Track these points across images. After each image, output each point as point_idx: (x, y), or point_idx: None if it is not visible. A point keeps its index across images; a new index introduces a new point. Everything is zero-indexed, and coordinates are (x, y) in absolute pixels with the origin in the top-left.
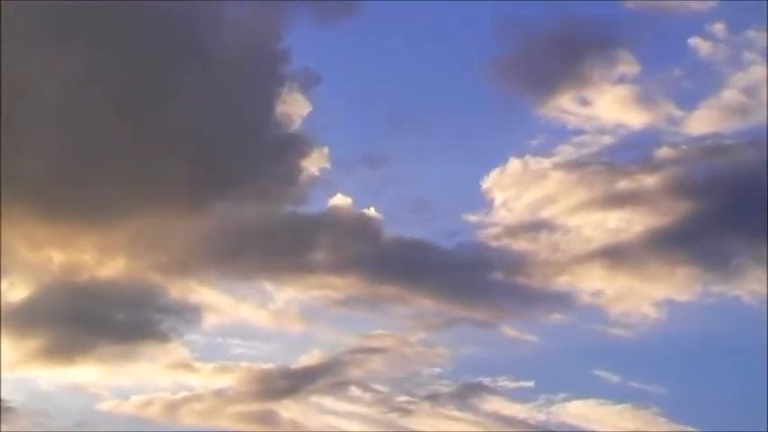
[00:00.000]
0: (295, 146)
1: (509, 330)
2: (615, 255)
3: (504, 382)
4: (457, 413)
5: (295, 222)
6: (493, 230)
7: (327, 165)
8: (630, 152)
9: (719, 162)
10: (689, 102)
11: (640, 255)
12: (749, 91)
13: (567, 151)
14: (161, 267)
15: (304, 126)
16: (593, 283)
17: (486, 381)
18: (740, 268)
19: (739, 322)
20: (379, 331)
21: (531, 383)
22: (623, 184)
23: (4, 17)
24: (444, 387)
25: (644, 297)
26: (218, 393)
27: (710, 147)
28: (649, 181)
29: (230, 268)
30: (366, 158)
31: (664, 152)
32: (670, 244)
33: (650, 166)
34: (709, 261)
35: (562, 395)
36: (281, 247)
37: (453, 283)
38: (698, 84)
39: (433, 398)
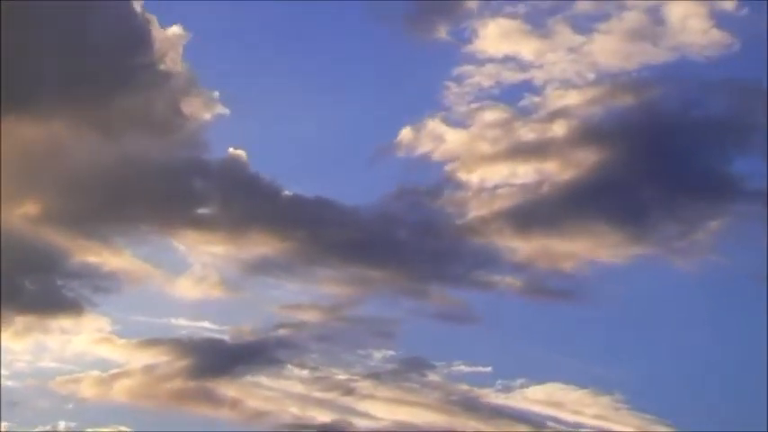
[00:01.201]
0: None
1: (438, 297)
2: (527, 213)
3: (451, 359)
4: (401, 392)
5: (187, 170)
6: (396, 189)
7: (220, 111)
8: (530, 95)
9: (630, 104)
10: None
11: (553, 212)
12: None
13: (461, 99)
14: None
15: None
16: (509, 242)
17: (430, 357)
18: (659, 224)
19: (669, 286)
20: (304, 299)
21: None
22: (527, 134)
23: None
24: (387, 364)
25: (564, 257)
26: (149, 370)
27: (619, 84)
28: (555, 129)
29: (119, 219)
30: (261, 109)
31: (568, 95)
32: (583, 199)
33: (554, 113)
34: (626, 217)
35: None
36: (174, 196)
37: (364, 243)
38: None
39: (375, 376)
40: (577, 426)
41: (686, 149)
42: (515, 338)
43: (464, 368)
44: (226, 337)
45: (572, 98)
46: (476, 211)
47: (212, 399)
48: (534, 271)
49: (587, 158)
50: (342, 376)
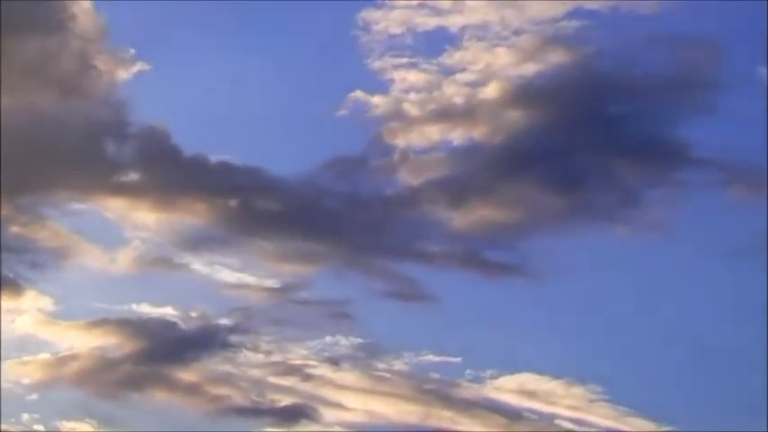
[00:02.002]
0: None
1: (384, 273)
2: (459, 181)
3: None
4: (370, 381)
5: (106, 133)
6: (323, 157)
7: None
8: (451, 48)
9: (564, 61)
10: None
11: (486, 180)
12: None
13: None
14: None
15: None
16: (443, 213)
17: (389, 341)
18: (600, 194)
19: (617, 260)
20: (249, 280)
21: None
22: (454, 97)
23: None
24: (347, 350)
25: (502, 228)
26: (98, 354)
27: (550, 37)
28: (483, 90)
29: (36, 186)
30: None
31: (495, 52)
32: (518, 166)
33: (481, 71)
34: (564, 185)
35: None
36: (94, 161)
37: (297, 214)
38: None
39: (335, 361)
40: (552, 417)
41: (627, 112)
42: (472, 320)
43: (432, 357)
44: (176, 320)
45: (500, 55)
46: (406, 180)
47: (168, 384)
48: (473, 243)
49: (519, 122)
50: (298, 361)
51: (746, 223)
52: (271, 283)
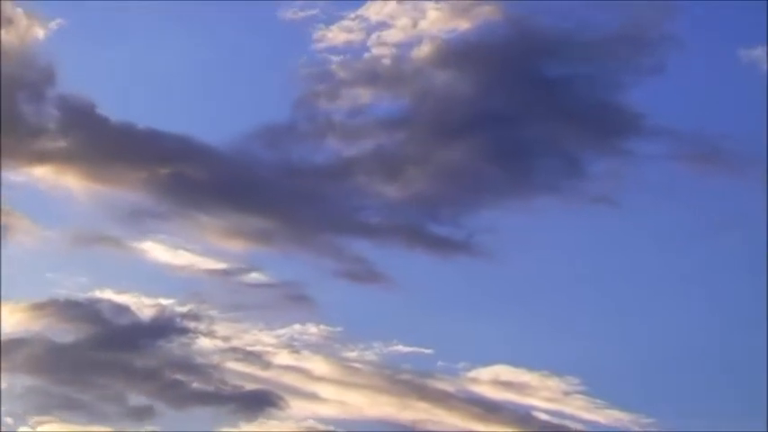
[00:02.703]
0: None
1: (333, 250)
2: (393, 150)
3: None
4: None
5: (23, 95)
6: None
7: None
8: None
9: (498, 19)
10: None
11: (422, 149)
12: None
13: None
14: None
15: None
16: (377, 185)
17: (354, 327)
18: (544, 165)
19: (569, 237)
20: (195, 256)
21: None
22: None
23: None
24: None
25: (441, 201)
26: (47, 339)
27: None
28: (414, 52)
29: None
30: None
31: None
32: (454, 134)
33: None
34: (505, 155)
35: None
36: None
37: (230, 185)
38: None
39: (296, 348)
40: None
41: (568, 74)
42: (431, 304)
43: (402, 348)
44: (126, 303)
45: (427, 12)
46: (338, 148)
47: (124, 370)
48: (415, 216)
49: (452, 85)
50: (259, 347)
51: (703, 198)
52: (219, 263)
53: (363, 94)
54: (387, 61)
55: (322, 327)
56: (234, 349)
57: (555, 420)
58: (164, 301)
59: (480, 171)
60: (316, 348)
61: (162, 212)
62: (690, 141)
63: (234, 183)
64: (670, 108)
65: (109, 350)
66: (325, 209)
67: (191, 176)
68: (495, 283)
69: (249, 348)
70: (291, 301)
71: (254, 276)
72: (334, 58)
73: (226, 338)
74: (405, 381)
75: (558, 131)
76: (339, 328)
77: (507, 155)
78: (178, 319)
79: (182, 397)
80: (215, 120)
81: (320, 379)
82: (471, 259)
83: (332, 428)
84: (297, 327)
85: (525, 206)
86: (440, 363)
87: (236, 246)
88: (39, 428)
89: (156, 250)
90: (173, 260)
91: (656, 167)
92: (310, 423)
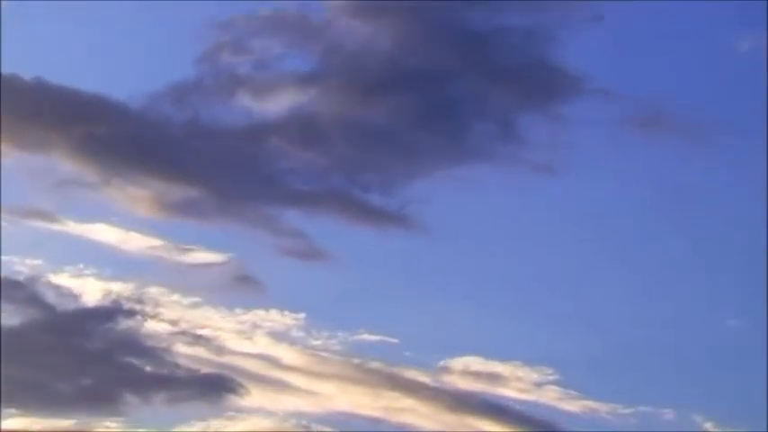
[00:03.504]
0: None
1: (266, 220)
2: (308, 114)
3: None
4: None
5: None
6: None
7: None
8: None
9: None
10: None
11: (340, 108)
12: None
13: None
14: None
15: None
16: (296, 150)
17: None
18: (474, 129)
19: (509, 209)
20: (129, 232)
21: None
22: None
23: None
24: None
25: (370, 167)
26: None
27: None
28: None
29: None
30: None
31: None
32: (373, 92)
33: None
34: (432, 119)
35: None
36: None
37: (143, 145)
38: None
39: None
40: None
41: (496, 26)
42: (383, 285)
43: (367, 336)
44: (69, 284)
45: None
46: (249, 107)
47: (74, 352)
48: (342, 186)
49: (367, 38)
50: (215, 332)
51: (649, 165)
52: (154, 240)
53: (270, 47)
54: (294, 11)
55: (286, 313)
56: (185, 333)
57: (529, 411)
58: (107, 283)
59: (407, 135)
60: (280, 336)
61: (89, 183)
62: (633, 104)
63: (149, 145)
64: (611, 68)
65: (55, 333)
66: (247, 175)
67: (105, 136)
68: (441, 262)
69: (205, 333)
70: (238, 281)
71: (197, 255)
72: (238, 6)
73: (175, 321)
74: (374, 370)
75: (491, 92)
76: (302, 315)
77: (435, 117)
78: (124, 302)
79: (137, 381)
80: (124, 78)
81: (287, 367)
82: (409, 233)
83: (304, 422)
84: (260, 313)
85: (459, 174)
86: (407, 353)
87: (165, 217)
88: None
89: (91, 228)
90: (107, 237)
91: (599, 132)
92: (281, 416)
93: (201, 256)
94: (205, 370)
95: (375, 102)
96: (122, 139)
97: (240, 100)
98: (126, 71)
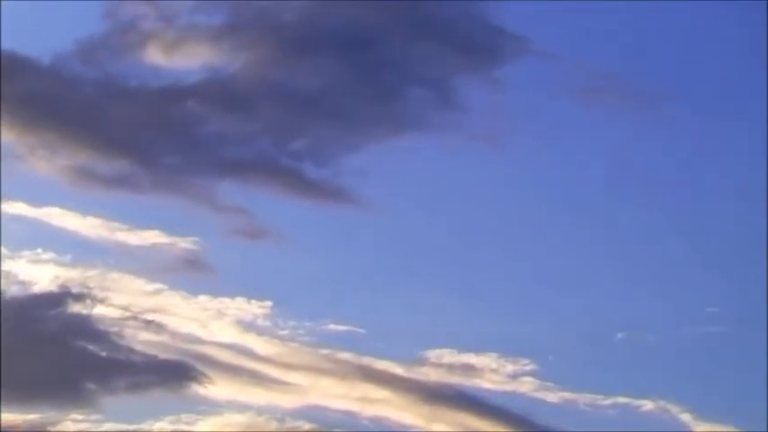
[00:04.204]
0: None
1: (208, 196)
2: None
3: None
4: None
5: None
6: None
7: None
8: None
9: None
10: None
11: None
12: None
13: None
14: None
15: None
16: (219, 116)
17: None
18: (408, 95)
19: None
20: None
21: None
22: None
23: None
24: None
25: (297, 133)
26: None
27: None
28: None
29: None
30: None
31: None
32: (297, 51)
33: None
34: (363, 85)
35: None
36: None
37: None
38: None
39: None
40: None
41: None
42: (339, 265)
43: (334, 326)
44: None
45: None
46: (164, 69)
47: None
48: (274, 155)
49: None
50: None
51: (596, 135)
52: (98, 219)
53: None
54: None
55: (253, 302)
56: (138, 318)
57: (505, 403)
58: (54, 266)
59: (337, 100)
60: (248, 325)
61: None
62: (580, 69)
63: (63, 106)
64: (556, 29)
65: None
66: (173, 142)
67: (18, 95)
68: (391, 241)
69: (165, 320)
70: (190, 264)
71: (145, 235)
72: None
73: (127, 306)
74: (344, 361)
75: (424, 53)
76: (268, 303)
77: (365, 81)
78: (73, 286)
79: (94, 367)
80: (30, 34)
81: (257, 357)
82: (349, 208)
83: (278, 415)
84: (226, 300)
85: (395, 145)
86: (378, 344)
87: (99, 192)
88: None
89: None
90: (48, 218)
91: (542, 99)
92: (255, 410)
93: (152, 238)
94: (164, 356)
95: (297, 62)
96: (35, 98)
97: (150, 57)
98: (32, 27)
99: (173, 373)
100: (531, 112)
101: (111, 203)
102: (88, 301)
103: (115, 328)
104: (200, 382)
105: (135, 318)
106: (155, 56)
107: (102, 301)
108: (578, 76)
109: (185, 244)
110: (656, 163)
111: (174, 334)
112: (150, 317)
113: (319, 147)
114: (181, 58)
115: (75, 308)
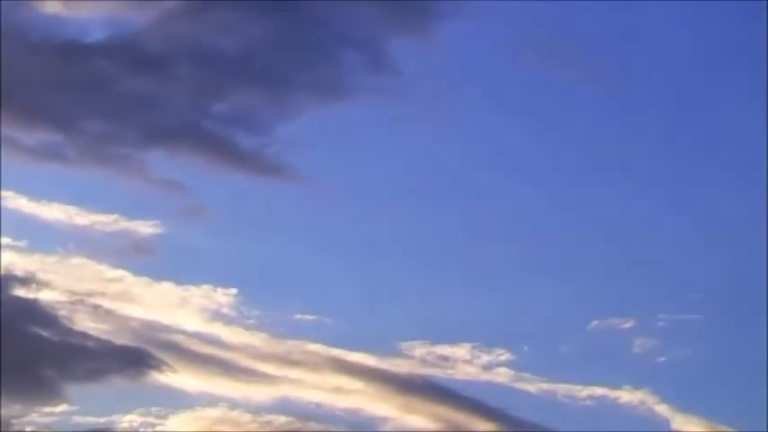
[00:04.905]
0: None
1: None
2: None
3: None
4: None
5: None
6: None
7: None
8: None
9: None
10: None
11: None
12: None
13: None
14: None
15: None
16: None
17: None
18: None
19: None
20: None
21: None
22: None
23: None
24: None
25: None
26: None
27: None
28: None
29: None
30: None
31: None
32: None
33: None
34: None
35: None
36: None
37: None
38: None
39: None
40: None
41: None
42: (291, 248)
43: (300, 316)
44: None
45: None
46: (64, 21)
47: None
48: (199, 123)
49: None
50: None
51: (539, 97)
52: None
53: None
54: None
55: (219, 290)
56: (84, 302)
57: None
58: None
59: (263, 64)
60: (214, 313)
61: None
62: (525, 29)
63: None
64: None
65: None
66: (91, 107)
67: None
68: (338, 220)
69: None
70: (136, 246)
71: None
72: None
73: (77, 291)
74: (315, 352)
75: (355, 12)
76: (233, 290)
77: (293, 43)
78: (18, 271)
79: (47, 352)
80: None
81: (226, 347)
82: (287, 182)
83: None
84: (193, 289)
85: (331, 112)
86: (347, 334)
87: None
88: None
89: None
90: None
91: (482, 60)
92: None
93: (94, 218)
94: (120, 342)
95: (212, 18)
96: None
97: (49, 7)
98: None
99: (131, 359)
100: (469, 72)
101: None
102: (33, 286)
103: (64, 313)
104: (160, 370)
105: (82, 302)
106: (54, 6)
107: (47, 285)
108: (518, 35)
109: (148, 228)
110: (605, 133)
111: (131, 320)
112: (104, 302)
113: (248, 113)
114: (82, 10)
115: (20, 292)
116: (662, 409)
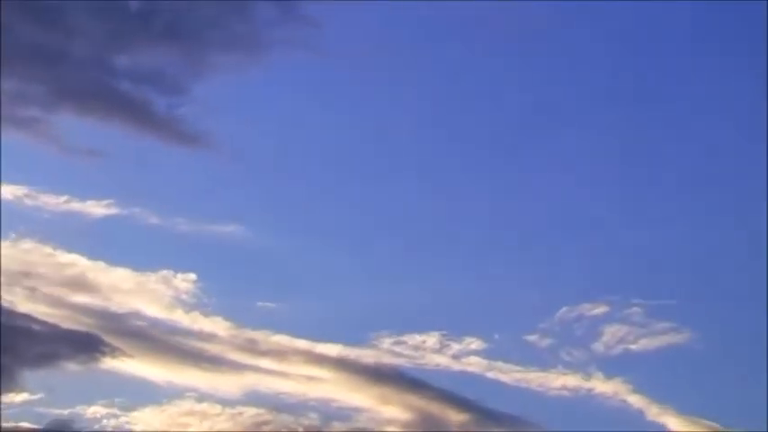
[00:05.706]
0: None
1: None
2: None
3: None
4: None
5: None
6: None
7: None
8: None
9: None
10: None
11: None
12: None
13: None
14: None
15: None
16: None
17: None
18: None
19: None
20: None
21: None
22: None
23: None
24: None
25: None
26: None
27: None
28: None
29: None
30: None
31: None
32: None
33: None
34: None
35: None
36: None
37: None
38: None
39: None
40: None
41: None
42: (226, 226)
43: (261, 304)
44: None
45: None
46: None
47: None
48: (106, 81)
49: None
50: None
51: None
52: None
53: None
54: None
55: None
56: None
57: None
58: None
59: (171, 16)
60: (174, 300)
61: None
62: None
63: None
64: None
65: None
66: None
67: None
68: (274, 193)
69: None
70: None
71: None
72: None
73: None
74: (281, 342)
75: None
76: (192, 276)
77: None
78: None
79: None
80: None
81: (189, 335)
82: (208, 152)
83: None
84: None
85: (248, 74)
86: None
87: None
88: None
89: None
90: None
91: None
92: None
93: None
94: (67, 326)
95: None
96: None
97: None
98: None
99: (80, 344)
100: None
101: None
102: None
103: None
104: (114, 356)
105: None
106: None
107: None
108: None
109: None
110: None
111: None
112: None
113: (161, 72)
114: None
115: None
116: (635, 399)
